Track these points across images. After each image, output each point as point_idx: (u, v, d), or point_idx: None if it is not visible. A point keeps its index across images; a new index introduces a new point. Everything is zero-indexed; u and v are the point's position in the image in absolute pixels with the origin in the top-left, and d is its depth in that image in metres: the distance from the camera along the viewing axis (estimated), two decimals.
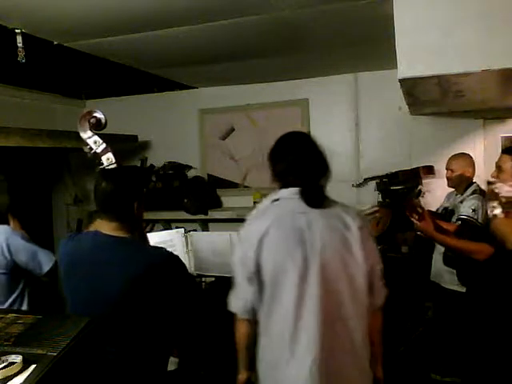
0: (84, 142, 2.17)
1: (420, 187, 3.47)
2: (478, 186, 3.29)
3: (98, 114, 2.17)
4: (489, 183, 2.14)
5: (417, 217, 2.85)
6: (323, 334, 1.59)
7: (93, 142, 2.14)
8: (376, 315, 1.79)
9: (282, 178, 1.75)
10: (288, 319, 1.62)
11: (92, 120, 2.16)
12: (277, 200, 1.74)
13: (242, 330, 1.76)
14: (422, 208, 2.87)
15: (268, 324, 1.67)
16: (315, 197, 1.69)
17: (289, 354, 1.61)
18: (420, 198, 3.37)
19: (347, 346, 1.65)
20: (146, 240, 2.06)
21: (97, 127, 2.16)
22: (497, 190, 2.07)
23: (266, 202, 1.79)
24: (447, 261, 2.85)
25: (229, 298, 1.76)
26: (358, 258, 1.66)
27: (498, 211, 2.09)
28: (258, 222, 1.72)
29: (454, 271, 3.08)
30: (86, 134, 2.15)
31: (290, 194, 1.70)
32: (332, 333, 1.61)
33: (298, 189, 1.69)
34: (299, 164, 1.72)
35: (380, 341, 1.83)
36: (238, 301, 1.72)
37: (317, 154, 1.75)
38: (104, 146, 2.14)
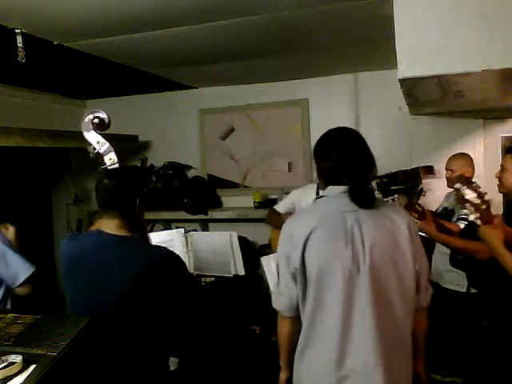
0: (87, 142, 2.17)
1: (421, 186, 3.47)
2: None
3: (102, 114, 2.17)
4: (456, 190, 2.05)
5: (416, 215, 2.84)
6: (376, 333, 1.58)
7: (96, 141, 2.15)
8: (422, 314, 1.79)
9: (329, 176, 1.70)
10: (336, 319, 1.59)
11: (95, 120, 2.16)
12: (322, 197, 1.72)
13: (285, 329, 1.74)
14: (422, 207, 2.86)
15: (312, 323, 1.63)
16: (365, 196, 1.66)
17: (338, 355, 1.59)
18: (421, 197, 3.36)
19: (396, 344, 1.64)
20: (147, 239, 2.06)
21: (100, 127, 2.16)
22: (466, 197, 1.97)
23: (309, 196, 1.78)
24: (455, 263, 2.83)
25: (272, 294, 1.75)
26: (407, 257, 1.64)
27: (472, 217, 2.00)
28: (305, 219, 1.68)
29: (454, 271, 3.08)
30: (90, 134, 2.15)
31: (338, 192, 1.66)
32: (383, 331, 1.59)
33: (346, 187, 1.65)
34: (347, 162, 1.67)
35: (424, 339, 1.84)
36: (283, 298, 1.70)
37: (365, 151, 1.72)
38: (107, 145, 2.14)
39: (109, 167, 2.11)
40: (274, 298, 1.74)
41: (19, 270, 2.46)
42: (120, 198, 1.77)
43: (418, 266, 1.68)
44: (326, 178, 1.72)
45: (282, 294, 1.70)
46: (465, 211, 2.03)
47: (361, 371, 1.58)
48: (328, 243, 1.61)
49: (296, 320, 1.70)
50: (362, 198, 1.65)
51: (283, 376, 1.80)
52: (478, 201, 1.93)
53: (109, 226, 1.77)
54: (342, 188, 1.66)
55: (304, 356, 1.66)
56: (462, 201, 1.99)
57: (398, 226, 1.66)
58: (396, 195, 3.33)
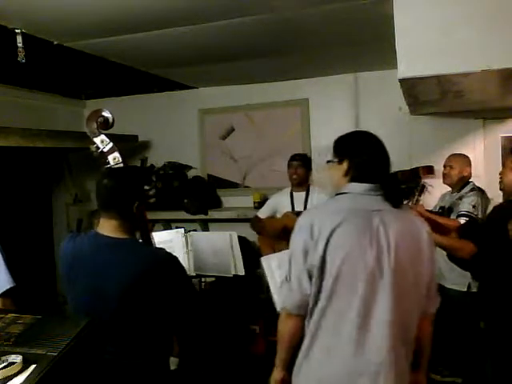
0: (91, 141, 2.17)
1: (423, 182, 3.46)
2: (474, 184, 3.31)
3: (106, 113, 2.17)
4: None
5: None
6: (391, 336, 1.57)
7: (100, 140, 2.15)
8: (429, 320, 1.79)
9: (359, 172, 1.67)
10: (353, 319, 1.55)
11: (100, 119, 2.16)
12: (342, 194, 1.68)
13: (291, 327, 1.67)
14: (411, 207, 2.85)
15: (323, 321, 1.59)
16: (398, 196, 1.65)
17: (353, 354, 1.56)
18: (423, 194, 3.35)
19: (404, 347, 1.63)
20: (150, 241, 2.05)
21: (104, 126, 2.17)
22: None
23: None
24: (452, 257, 2.85)
25: (280, 286, 1.68)
26: (424, 263, 1.64)
27: None
28: (328, 213, 1.63)
29: (455, 270, 3.08)
30: (94, 133, 2.16)
31: (364, 189, 1.64)
32: (396, 335, 1.59)
33: (374, 185, 1.64)
34: (379, 160, 1.68)
35: (429, 347, 1.84)
36: (294, 295, 1.62)
37: (387, 153, 1.72)
38: (111, 145, 2.14)
39: (113, 167, 2.11)
40: (283, 295, 1.67)
41: None
42: (118, 198, 1.76)
43: (431, 273, 1.68)
44: (354, 175, 1.67)
45: (293, 290, 1.62)
46: None
47: (374, 372, 1.56)
48: (353, 241, 1.57)
49: (302, 319, 1.65)
50: (395, 197, 1.64)
51: (279, 376, 1.74)
52: None
53: (106, 227, 1.76)
54: (369, 186, 1.63)
55: (312, 356, 1.63)
56: None
57: (419, 230, 1.66)
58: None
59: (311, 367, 1.64)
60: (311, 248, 1.58)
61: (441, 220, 3.12)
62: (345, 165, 1.70)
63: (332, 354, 1.59)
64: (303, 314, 1.63)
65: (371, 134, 1.78)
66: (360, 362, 1.57)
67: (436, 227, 2.93)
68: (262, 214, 3.81)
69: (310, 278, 1.59)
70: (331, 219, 1.59)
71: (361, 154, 1.69)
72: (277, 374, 1.75)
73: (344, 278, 1.56)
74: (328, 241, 1.56)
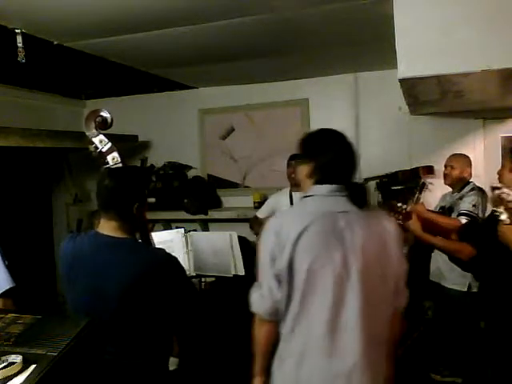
0: (90, 141, 2.17)
1: (423, 180, 3.46)
2: (474, 184, 3.31)
3: (105, 113, 2.17)
4: (494, 189, 2.08)
5: (400, 217, 2.82)
6: (362, 336, 1.57)
7: (98, 140, 2.15)
8: (398, 317, 1.77)
9: (322, 174, 1.65)
10: (323, 322, 1.56)
11: (98, 119, 2.16)
12: (308, 196, 1.66)
13: (265, 334, 1.67)
14: (405, 209, 2.84)
15: (296, 326, 1.59)
16: (362, 196, 1.64)
17: (326, 357, 1.56)
18: (423, 192, 3.36)
19: (378, 345, 1.63)
20: (150, 241, 2.05)
21: (103, 126, 2.16)
22: (504, 196, 2.00)
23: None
24: (453, 257, 2.85)
25: (251, 296, 1.66)
26: (392, 260, 1.65)
27: (504, 217, 2.02)
28: (294, 218, 1.63)
29: (455, 270, 3.08)
30: (92, 133, 2.15)
31: (328, 191, 1.62)
32: (368, 334, 1.59)
33: (339, 186, 1.62)
34: (344, 160, 1.65)
35: (396, 343, 1.81)
36: (265, 301, 1.62)
37: (355, 153, 1.70)
38: (110, 145, 2.14)
39: (112, 167, 2.11)
40: (254, 301, 1.66)
41: None
42: (118, 199, 1.76)
43: (400, 269, 1.69)
44: (318, 177, 1.65)
45: (264, 296, 1.62)
46: (500, 209, 2.04)
47: (348, 373, 1.57)
48: (319, 245, 1.57)
49: (276, 324, 1.64)
50: (359, 198, 1.62)
51: (258, 382, 1.72)
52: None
53: (106, 227, 1.76)
54: (334, 187, 1.62)
55: (285, 361, 1.62)
56: (499, 200, 2.01)
57: (386, 229, 1.66)
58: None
59: (285, 372, 1.63)
60: (278, 253, 1.58)
61: (441, 219, 3.12)
62: (309, 166, 1.68)
63: (305, 359, 1.59)
64: (276, 319, 1.63)
65: (337, 132, 1.74)
66: (333, 364, 1.57)
67: (436, 227, 2.94)
68: (261, 214, 3.79)
69: (280, 282, 1.59)
70: (297, 223, 1.58)
71: (324, 155, 1.66)
72: (256, 380, 1.73)
73: (313, 282, 1.56)
74: (295, 245, 1.55)
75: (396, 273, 1.67)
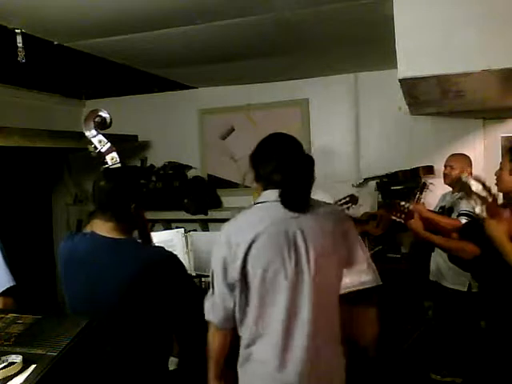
0: (89, 141, 2.17)
1: (424, 181, 3.46)
2: None
3: (103, 113, 2.17)
4: (458, 180, 2.02)
5: (402, 216, 2.82)
6: (312, 340, 1.59)
7: (97, 141, 2.15)
8: (370, 315, 1.76)
9: (267, 180, 1.67)
10: (279, 328, 1.58)
11: (97, 119, 2.16)
12: (262, 202, 1.66)
13: (220, 342, 1.69)
14: (407, 208, 2.84)
15: (255, 333, 1.61)
16: (297, 201, 1.62)
17: (279, 362, 1.58)
18: (424, 192, 3.35)
19: (330, 341, 1.67)
20: (149, 241, 2.05)
21: (102, 126, 2.17)
22: (473, 188, 1.94)
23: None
24: (453, 259, 2.84)
25: (204, 305, 1.67)
26: (343, 257, 1.67)
27: (478, 210, 1.98)
28: (245, 226, 1.63)
29: (456, 270, 3.08)
30: (91, 133, 2.16)
31: (276, 197, 1.62)
32: (319, 336, 1.61)
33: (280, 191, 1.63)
34: (284, 165, 1.64)
35: (373, 342, 1.82)
36: (218, 310, 1.64)
37: (301, 155, 1.68)
38: (109, 145, 2.15)
39: (110, 167, 2.11)
40: (207, 310, 1.67)
41: None
42: (114, 200, 1.76)
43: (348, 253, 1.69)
44: (265, 183, 1.67)
45: (217, 304, 1.63)
46: (471, 203, 2.00)
47: (296, 380, 1.59)
48: (272, 251, 1.57)
49: (230, 332, 1.66)
50: (294, 203, 1.61)
51: None
52: (484, 193, 1.91)
53: (103, 227, 1.76)
54: (278, 192, 1.62)
55: (247, 366, 1.65)
56: (468, 192, 1.96)
57: (337, 227, 1.67)
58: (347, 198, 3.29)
59: (248, 379, 1.65)
60: (230, 263, 1.59)
61: (442, 219, 3.12)
62: (254, 173, 1.70)
63: (261, 364, 1.61)
64: (230, 327, 1.65)
65: (285, 136, 1.73)
66: (284, 372, 1.58)
67: (436, 227, 2.93)
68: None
69: (233, 291, 1.60)
70: (248, 232, 1.59)
71: (267, 162, 1.67)
72: None
73: (267, 290, 1.58)
74: (246, 254, 1.56)
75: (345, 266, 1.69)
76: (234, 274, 1.59)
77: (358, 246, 1.72)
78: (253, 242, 1.57)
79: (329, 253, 1.63)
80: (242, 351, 1.66)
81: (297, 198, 1.62)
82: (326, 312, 1.65)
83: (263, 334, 1.61)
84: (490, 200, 1.93)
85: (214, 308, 1.65)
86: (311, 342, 1.59)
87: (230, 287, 1.61)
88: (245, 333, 1.64)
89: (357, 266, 1.70)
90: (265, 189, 1.67)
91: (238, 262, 1.57)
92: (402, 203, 2.84)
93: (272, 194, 1.63)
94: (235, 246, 1.58)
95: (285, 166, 1.64)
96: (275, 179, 1.63)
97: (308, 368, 1.59)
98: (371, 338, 1.77)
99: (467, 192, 1.95)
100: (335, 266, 1.66)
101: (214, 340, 1.69)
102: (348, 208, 3.27)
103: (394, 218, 2.85)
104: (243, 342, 1.65)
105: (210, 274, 1.66)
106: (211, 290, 1.66)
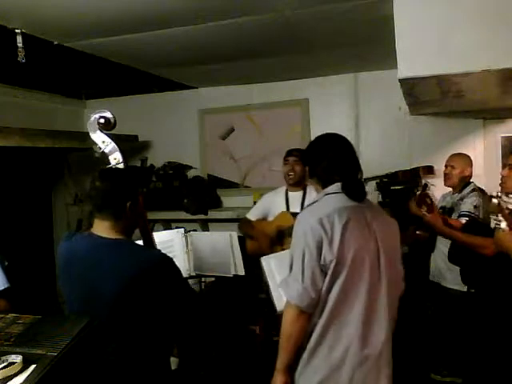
0: (93, 142, 2.18)
1: (425, 181, 3.46)
2: (475, 185, 3.31)
3: (108, 114, 2.18)
4: (492, 197, 2.07)
5: (426, 209, 2.83)
6: (388, 321, 1.73)
7: (101, 141, 2.16)
8: None
9: (326, 174, 1.80)
10: (361, 309, 1.67)
11: (101, 120, 2.17)
12: (331, 194, 1.76)
13: (301, 326, 1.67)
14: (431, 200, 2.86)
15: (335, 314, 1.67)
16: (358, 190, 1.77)
17: (361, 339, 1.68)
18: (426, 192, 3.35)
19: (391, 330, 1.78)
20: (150, 240, 2.04)
21: (106, 127, 2.17)
22: (502, 204, 1.99)
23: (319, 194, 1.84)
24: (452, 258, 2.84)
25: (289, 289, 1.67)
26: (397, 253, 1.83)
27: (503, 225, 2.01)
28: (333, 211, 1.68)
29: (455, 270, 3.08)
30: (95, 134, 2.16)
31: (341, 188, 1.76)
32: (390, 320, 1.76)
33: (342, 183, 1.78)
34: (341, 159, 1.80)
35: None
36: (308, 292, 1.63)
37: (354, 152, 1.85)
38: (112, 145, 2.16)
39: (114, 167, 2.11)
40: (294, 294, 1.65)
41: None
42: (109, 200, 1.75)
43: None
44: (323, 177, 1.81)
45: (307, 288, 1.63)
46: (499, 217, 2.04)
47: (376, 355, 1.70)
48: (359, 235, 1.68)
49: (311, 317, 1.68)
50: (356, 192, 1.75)
51: (282, 380, 1.71)
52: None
53: (100, 227, 1.76)
54: (341, 185, 1.76)
55: (316, 354, 1.70)
56: (498, 208, 2.01)
57: (392, 223, 1.86)
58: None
59: (316, 366, 1.70)
60: (326, 243, 1.63)
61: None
62: (311, 169, 1.87)
63: (335, 350, 1.68)
64: (314, 310, 1.67)
65: (340, 135, 1.92)
66: (365, 349, 1.68)
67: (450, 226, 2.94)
68: (253, 215, 3.50)
69: (324, 272, 1.65)
70: (338, 216, 1.66)
71: (322, 158, 1.83)
72: (280, 378, 1.72)
73: (355, 273, 1.66)
74: (342, 237, 1.63)
75: (400, 264, 1.85)
76: (329, 255, 1.63)
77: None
78: (345, 225, 1.65)
79: (391, 240, 1.80)
80: (316, 335, 1.69)
81: (357, 188, 1.76)
82: (393, 299, 1.78)
83: (340, 321, 1.68)
84: None
85: (304, 291, 1.63)
86: (386, 332, 1.72)
87: (321, 269, 1.64)
88: (319, 323, 1.68)
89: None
90: (324, 183, 1.79)
91: (336, 244, 1.63)
92: (430, 195, 2.88)
93: (335, 187, 1.75)
94: (330, 228, 1.64)
95: (342, 160, 1.79)
96: (335, 173, 1.77)
97: (383, 354, 1.73)
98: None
99: (501, 210, 1.99)
100: (396, 254, 1.82)
101: (297, 324, 1.67)
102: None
103: (418, 210, 2.87)
104: (319, 325, 1.68)
105: (297, 256, 1.67)
106: (298, 273, 1.65)
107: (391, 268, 1.76)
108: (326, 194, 1.77)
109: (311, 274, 1.63)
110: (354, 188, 1.75)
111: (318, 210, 1.74)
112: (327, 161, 1.79)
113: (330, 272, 1.63)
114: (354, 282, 1.66)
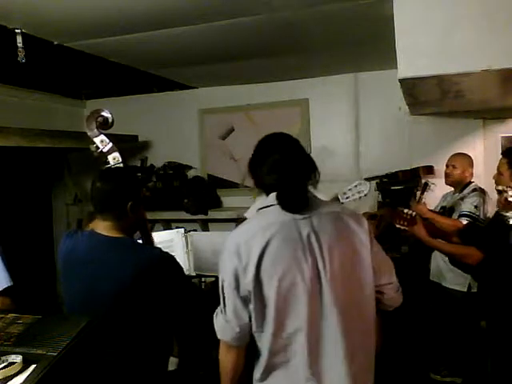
0: (91, 141, 2.18)
1: (426, 181, 3.46)
2: (476, 185, 3.31)
3: (105, 113, 2.18)
4: (499, 192, 2.05)
5: (405, 223, 2.79)
6: (345, 344, 1.47)
7: (99, 141, 2.15)
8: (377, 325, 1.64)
9: (263, 183, 1.57)
10: (304, 336, 1.44)
11: (99, 119, 2.17)
12: (266, 207, 1.54)
13: (232, 359, 1.54)
14: (411, 214, 2.80)
15: (276, 345, 1.47)
16: (293, 201, 1.49)
17: (310, 371, 1.46)
18: (426, 192, 3.34)
19: (361, 351, 1.53)
20: (150, 240, 2.05)
21: (104, 126, 2.17)
22: (510, 199, 1.97)
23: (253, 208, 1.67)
24: (454, 261, 2.83)
25: (215, 323, 1.55)
26: (366, 264, 1.54)
27: None
28: (255, 233, 1.48)
29: (455, 270, 3.08)
30: (93, 133, 2.16)
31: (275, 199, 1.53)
32: (350, 341, 1.48)
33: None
34: (277, 166, 1.53)
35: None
36: (231, 326, 1.49)
37: (298, 153, 1.57)
38: (111, 145, 2.15)
39: (113, 166, 2.11)
40: (218, 327, 1.54)
41: None
42: (111, 200, 1.76)
43: (377, 269, 1.58)
44: (263, 187, 1.58)
45: (229, 321, 1.49)
46: (507, 214, 2.01)
47: None
48: (287, 257, 1.45)
49: (244, 349, 1.53)
50: (290, 204, 1.49)
51: None
52: None
53: (102, 226, 1.77)
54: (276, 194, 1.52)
55: (267, 381, 1.51)
56: (505, 203, 1.98)
57: (354, 231, 1.54)
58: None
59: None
60: (241, 273, 1.45)
61: (442, 220, 3.12)
62: (253, 178, 1.61)
63: (287, 376, 1.49)
64: (245, 343, 1.52)
65: (281, 135, 1.62)
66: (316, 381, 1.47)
67: (438, 231, 2.92)
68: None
69: (247, 304, 1.47)
70: (258, 238, 1.46)
71: (261, 164, 1.57)
72: None
73: (286, 299, 1.44)
74: (259, 262, 1.43)
75: (370, 273, 1.55)
76: (247, 285, 1.44)
77: (385, 261, 1.64)
78: (265, 248, 1.44)
79: (347, 257, 1.51)
80: (258, 370, 1.52)
81: (292, 198, 1.49)
82: (356, 321, 1.50)
83: (283, 352, 1.48)
84: None
85: (227, 325, 1.50)
86: (344, 357, 1.46)
87: (244, 301, 1.47)
88: (263, 347, 1.50)
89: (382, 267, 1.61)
90: (268, 193, 1.56)
91: (251, 272, 1.44)
92: (405, 210, 2.80)
93: (271, 198, 1.53)
94: (246, 255, 1.45)
95: (277, 167, 1.53)
96: (270, 182, 1.53)
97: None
98: (377, 349, 1.63)
99: (503, 202, 1.97)
100: (360, 269, 1.52)
101: (227, 359, 1.56)
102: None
103: (398, 226, 2.80)
104: (261, 359, 1.51)
105: (220, 288, 1.52)
106: (221, 305, 1.53)
107: (350, 286, 1.49)
108: (260, 209, 1.56)
109: (233, 306, 1.48)
110: (288, 198, 1.49)
111: (241, 233, 1.53)
112: (266, 167, 1.54)
113: (252, 302, 1.44)
114: (286, 314, 1.44)
